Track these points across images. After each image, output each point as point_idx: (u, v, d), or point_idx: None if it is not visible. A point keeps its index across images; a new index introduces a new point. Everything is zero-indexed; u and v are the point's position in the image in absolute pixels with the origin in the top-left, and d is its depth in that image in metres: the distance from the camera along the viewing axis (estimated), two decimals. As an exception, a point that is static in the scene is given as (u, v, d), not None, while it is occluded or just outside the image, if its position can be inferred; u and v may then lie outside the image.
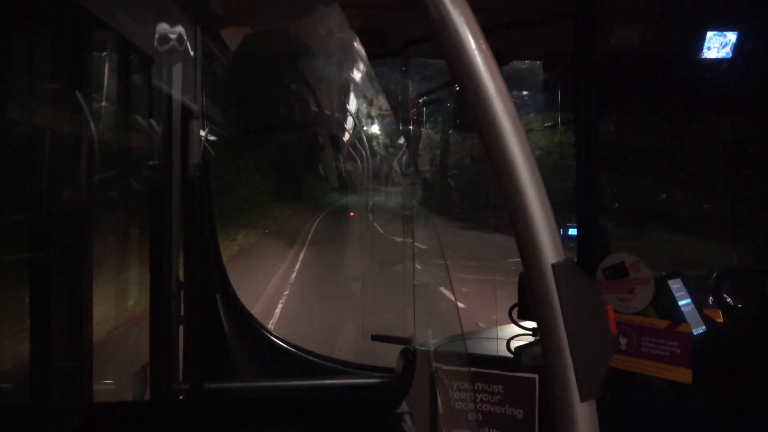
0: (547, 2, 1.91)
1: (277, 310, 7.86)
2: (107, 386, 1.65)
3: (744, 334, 1.95)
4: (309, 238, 17.86)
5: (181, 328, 1.86)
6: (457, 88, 0.58)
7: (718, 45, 2.04)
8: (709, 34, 2.04)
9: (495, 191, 0.57)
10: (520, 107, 0.57)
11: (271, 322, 7.41)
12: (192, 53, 1.83)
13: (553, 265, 0.55)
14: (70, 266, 1.41)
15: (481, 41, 0.55)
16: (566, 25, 1.83)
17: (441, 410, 1.62)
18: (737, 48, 2.05)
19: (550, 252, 0.55)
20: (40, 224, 1.35)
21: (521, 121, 0.55)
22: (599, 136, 1.80)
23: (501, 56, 2.24)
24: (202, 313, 1.95)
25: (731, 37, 2.04)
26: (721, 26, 2.04)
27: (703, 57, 2.05)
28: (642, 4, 1.99)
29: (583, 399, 0.56)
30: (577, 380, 0.55)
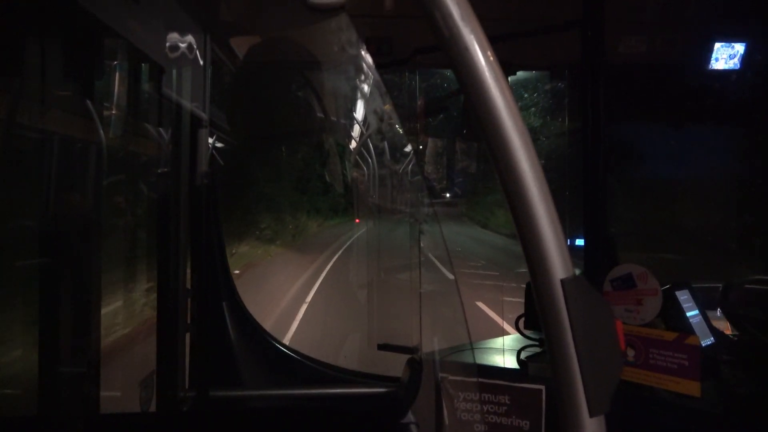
0: (554, 12, 1.91)
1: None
2: (114, 393, 1.66)
3: (753, 346, 1.93)
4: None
5: (187, 336, 1.87)
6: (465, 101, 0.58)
7: (726, 56, 2.04)
8: (717, 44, 2.03)
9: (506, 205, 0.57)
10: (527, 116, 0.57)
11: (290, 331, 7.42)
12: (201, 62, 1.85)
13: (562, 281, 0.54)
14: (78, 273, 1.42)
15: (490, 56, 0.55)
16: (574, 34, 1.83)
17: (447, 420, 1.61)
18: (745, 59, 2.05)
19: (559, 267, 0.55)
20: (49, 230, 1.36)
21: (529, 135, 0.55)
22: (607, 145, 1.80)
23: (509, 65, 2.24)
24: (208, 321, 1.96)
25: (739, 48, 2.03)
26: (729, 37, 2.03)
27: (711, 68, 2.05)
28: (649, 13, 1.99)
29: (592, 414, 0.55)
30: (586, 396, 0.55)
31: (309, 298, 9.67)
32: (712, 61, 2.06)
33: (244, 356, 2.12)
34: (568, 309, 0.54)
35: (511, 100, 0.55)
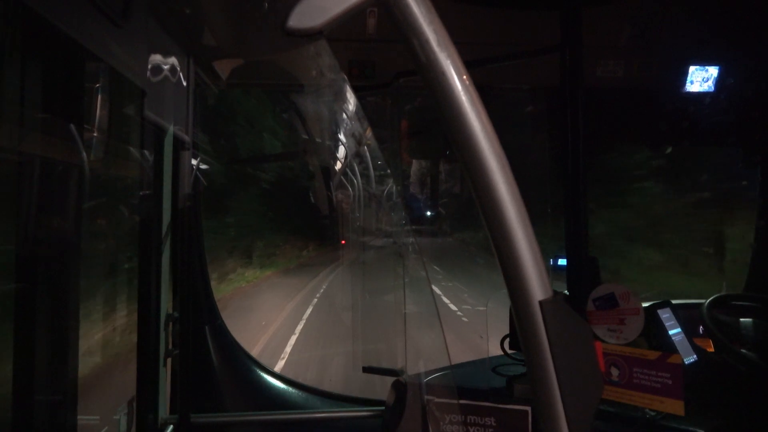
0: (533, 36, 1.96)
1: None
2: (92, 420, 1.62)
3: (735, 363, 1.95)
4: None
5: (168, 360, 1.84)
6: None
7: (700, 79, 2.10)
8: (692, 68, 2.09)
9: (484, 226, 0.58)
10: (506, 140, 0.58)
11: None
12: (184, 84, 1.85)
13: (540, 302, 0.55)
14: (56, 297, 1.39)
15: (467, 80, 0.56)
16: (552, 58, 1.87)
17: (432, 444, 1.59)
18: (719, 82, 2.11)
19: (537, 289, 0.55)
20: (27, 254, 1.34)
21: (507, 160, 0.56)
22: (586, 167, 1.83)
23: (488, 88, 2.28)
24: (190, 345, 1.93)
25: (713, 71, 2.10)
26: (703, 61, 2.09)
27: (686, 90, 2.10)
28: (626, 38, 2.04)
29: None
30: (566, 417, 0.55)
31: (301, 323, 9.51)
32: (687, 84, 2.11)
33: (226, 380, 2.09)
34: (546, 330, 0.55)
35: (488, 123, 0.56)
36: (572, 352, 0.56)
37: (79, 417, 1.47)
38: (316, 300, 11.90)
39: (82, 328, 1.45)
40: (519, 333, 0.57)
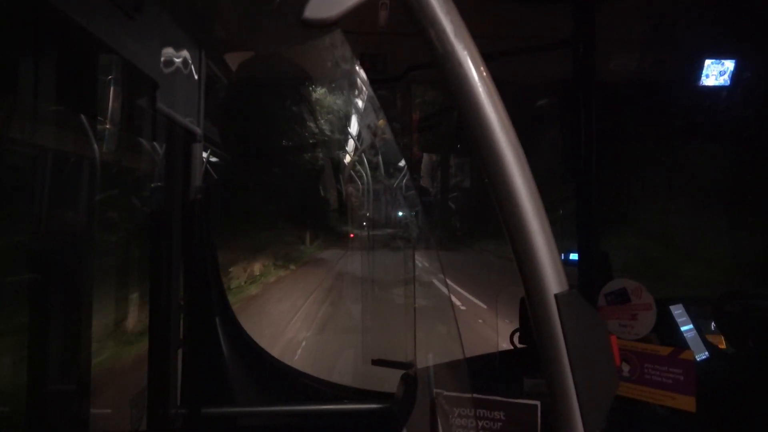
0: (547, 30, 1.94)
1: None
2: (104, 411, 1.63)
3: (747, 360, 1.93)
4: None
5: (179, 352, 1.85)
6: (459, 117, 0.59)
7: (716, 72, 2.07)
8: (708, 61, 2.06)
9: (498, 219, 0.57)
10: (518, 134, 0.57)
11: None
12: (196, 77, 1.85)
13: (556, 296, 0.54)
14: (69, 289, 1.40)
15: (483, 71, 0.55)
16: (566, 52, 1.86)
17: (442, 437, 1.59)
18: (735, 75, 2.07)
19: (553, 282, 0.55)
20: (40, 246, 1.35)
21: (524, 152, 0.56)
22: (599, 161, 1.81)
23: (502, 82, 2.26)
24: (201, 337, 1.94)
25: (729, 64, 2.06)
26: (719, 54, 2.06)
27: (702, 84, 2.07)
28: (639, 32, 2.02)
29: (587, 430, 0.55)
30: (581, 412, 0.55)
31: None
32: (703, 78, 2.08)
33: (237, 372, 2.10)
34: (562, 324, 0.54)
35: (504, 115, 0.55)
36: (587, 346, 0.55)
37: (91, 407, 1.48)
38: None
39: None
40: (533, 326, 0.57)
